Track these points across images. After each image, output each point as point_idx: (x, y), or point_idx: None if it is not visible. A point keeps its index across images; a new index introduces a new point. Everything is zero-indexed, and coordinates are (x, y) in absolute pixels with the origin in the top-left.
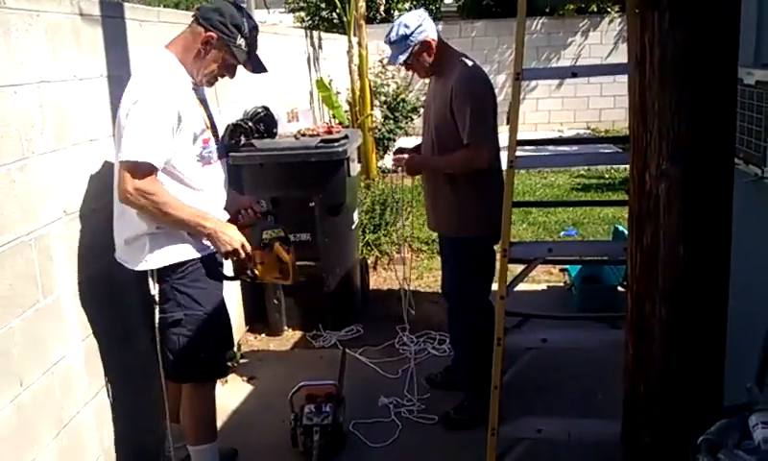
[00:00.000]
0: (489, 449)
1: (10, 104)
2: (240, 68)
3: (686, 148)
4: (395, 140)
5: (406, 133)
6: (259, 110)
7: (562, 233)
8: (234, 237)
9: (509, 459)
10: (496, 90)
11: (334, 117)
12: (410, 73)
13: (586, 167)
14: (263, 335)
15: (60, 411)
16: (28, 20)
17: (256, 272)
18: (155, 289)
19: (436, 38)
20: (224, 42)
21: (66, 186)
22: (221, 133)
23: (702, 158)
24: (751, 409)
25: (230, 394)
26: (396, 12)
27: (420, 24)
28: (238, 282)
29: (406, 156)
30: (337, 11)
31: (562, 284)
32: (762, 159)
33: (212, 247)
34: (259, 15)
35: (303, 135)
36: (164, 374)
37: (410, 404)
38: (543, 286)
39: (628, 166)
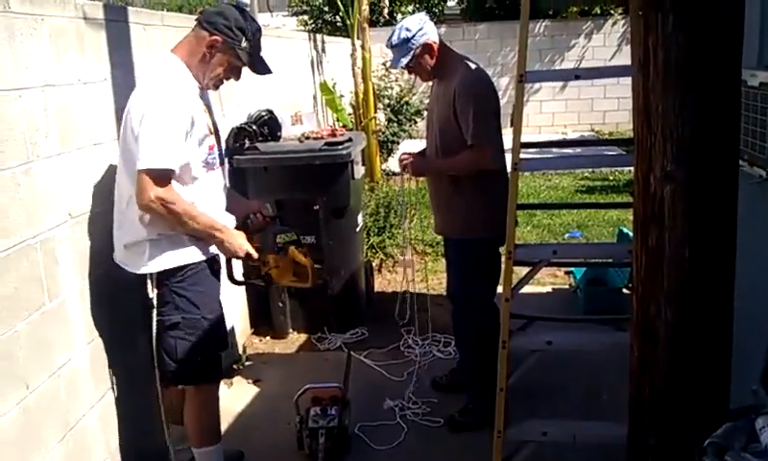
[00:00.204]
0: (494, 452)
1: (14, 108)
2: (244, 72)
3: (691, 150)
4: (398, 143)
5: (410, 136)
6: (263, 114)
7: (566, 235)
8: (241, 245)
9: None
10: (500, 93)
11: (338, 120)
12: (413, 76)
13: (590, 169)
14: (268, 338)
15: (66, 414)
16: (32, 24)
17: (272, 275)
18: (152, 292)
19: (437, 41)
20: (229, 45)
21: (71, 190)
22: (224, 136)
23: (706, 161)
24: (757, 412)
25: (236, 396)
26: (400, 15)
27: (421, 27)
28: (243, 297)
29: (411, 157)
30: (340, 14)
31: (567, 287)
32: (767, 161)
33: (213, 251)
34: (262, 19)
35: (308, 138)
36: (162, 376)
37: (415, 407)
38: (548, 288)
39: (632, 168)
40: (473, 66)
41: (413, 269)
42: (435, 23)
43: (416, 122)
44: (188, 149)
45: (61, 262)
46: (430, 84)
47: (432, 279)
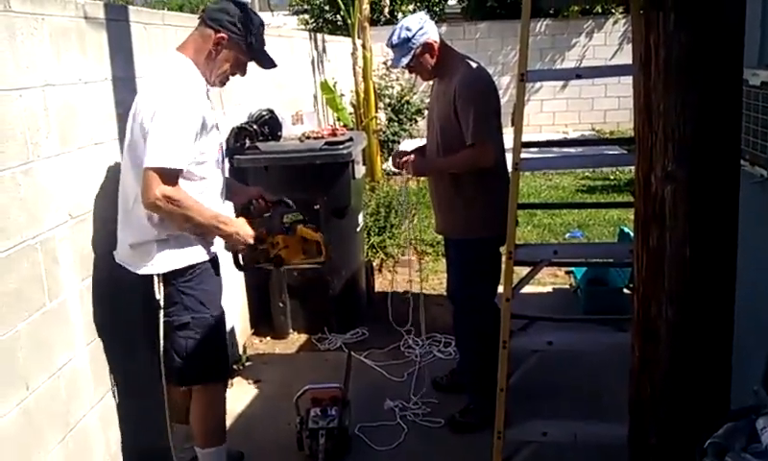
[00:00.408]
0: (495, 453)
1: (15, 107)
2: (246, 71)
3: (692, 149)
4: (399, 142)
5: (410, 136)
6: (264, 113)
7: (567, 235)
8: (247, 234)
9: None
10: (501, 92)
11: (339, 120)
12: (414, 75)
13: (591, 169)
14: (268, 338)
15: (67, 415)
16: (33, 24)
17: (282, 255)
18: (160, 293)
19: (438, 41)
20: (234, 41)
21: (72, 189)
22: (225, 136)
23: (708, 160)
24: (758, 412)
25: (236, 397)
26: (401, 15)
27: (421, 27)
28: (242, 286)
29: (412, 157)
30: (341, 13)
31: (567, 286)
32: None
33: (213, 250)
34: (263, 17)
35: (308, 138)
36: (170, 377)
37: (416, 407)
38: (549, 288)
39: (633, 168)
40: (474, 65)
41: (410, 269)
42: (435, 22)
43: (416, 121)
44: (200, 147)
45: (62, 262)
46: (431, 83)
47: (433, 278)
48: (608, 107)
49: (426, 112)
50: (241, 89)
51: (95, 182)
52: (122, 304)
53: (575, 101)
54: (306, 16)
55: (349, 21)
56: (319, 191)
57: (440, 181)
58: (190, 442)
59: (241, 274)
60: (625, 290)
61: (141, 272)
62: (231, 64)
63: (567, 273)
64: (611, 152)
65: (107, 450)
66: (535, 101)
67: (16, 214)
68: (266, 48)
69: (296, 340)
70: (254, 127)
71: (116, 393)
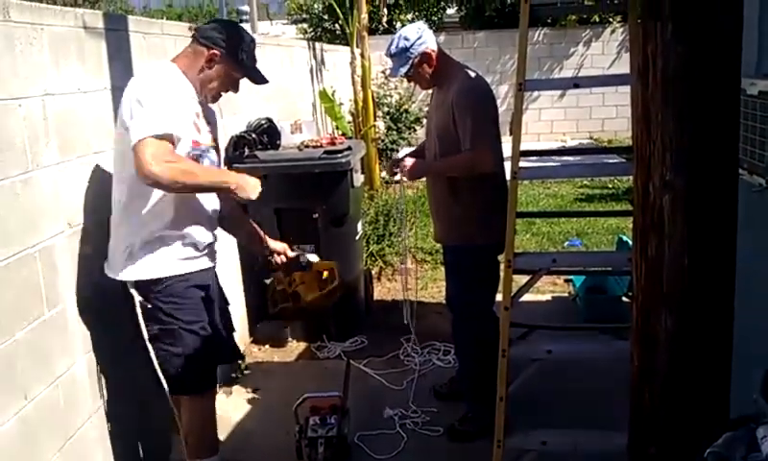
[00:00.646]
0: None
1: (14, 117)
2: (243, 81)
3: (690, 158)
4: (398, 151)
5: (409, 144)
6: (263, 122)
7: (566, 243)
8: (256, 183)
9: None
10: (499, 101)
11: (337, 128)
12: (412, 84)
13: (589, 178)
14: (267, 346)
15: (65, 424)
16: (32, 34)
17: (299, 292)
18: (136, 301)
19: (436, 50)
20: (226, 58)
21: (71, 199)
22: (224, 145)
23: (706, 169)
24: (758, 421)
25: (235, 405)
26: (399, 24)
27: (419, 36)
28: (241, 294)
29: (407, 160)
30: (340, 22)
31: (566, 295)
32: (766, 170)
33: (203, 264)
34: (262, 27)
35: (307, 147)
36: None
37: (415, 416)
38: (548, 297)
39: (631, 177)
40: (472, 74)
41: (405, 277)
42: (434, 31)
43: (415, 130)
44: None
45: (61, 271)
46: (430, 91)
47: (432, 287)
48: (605, 115)
49: (425, 121)
50: (240, 99)
51: (94, 191)
52: (119, 314)
53: (573, 110)
54: (305, 25)
55: (348, 30)
56: (317, 200)
57: (437, 189)
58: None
59: (238, 280)
60: (624, 298)
61: (116, 277)
62: (223, 81)
63: (566, 281)
64: (609, 160)
65: (105, 460)
66: (533, 109)
67: (15, 223)
68: (259, 64)
69: (295, 348)
70: (253, 135)
71: (115, 402)
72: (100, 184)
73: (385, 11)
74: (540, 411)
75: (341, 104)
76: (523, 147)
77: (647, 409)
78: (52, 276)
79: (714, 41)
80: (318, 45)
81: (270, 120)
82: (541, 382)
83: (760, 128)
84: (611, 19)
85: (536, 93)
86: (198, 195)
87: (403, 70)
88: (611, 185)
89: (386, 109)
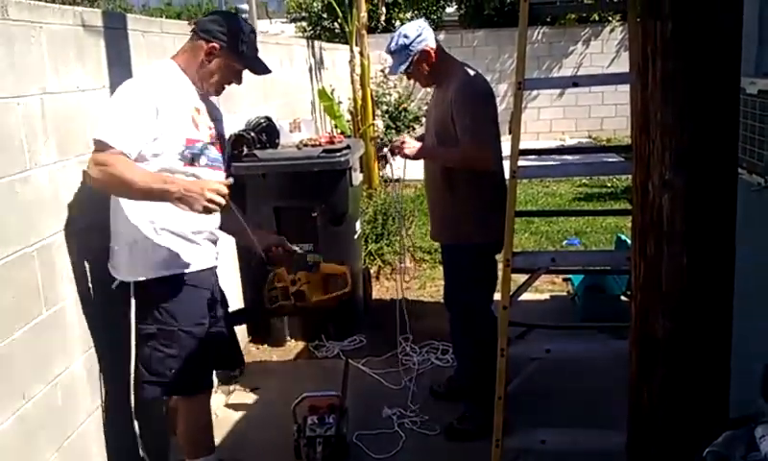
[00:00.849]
0: None
1: (13, 115)
2: (243, 78)
3: (689, 158)
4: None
5: None
6: (261, 121)
7: (564, 242)
8: (203, 187)
9: None
10: (498, 100)
11: (336, 127)
12: (411, 82)
13: (588, 176)
14: (266, 346)
15: (63, 424)
16: (31, 32)
17: (304, 291)
18: (132, 300)
19: (436, 48)
20: (226, 49)
21: (69, 197)
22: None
23: (705, 168)
24: (757, 420)
25: (233, 405)
26: (398, 22)
27: (419, 34)
28: (239, 293)
29: (407, 140)
30: (339, 20)
31: (565, 294)
32: (765, 169)
33: (202, 265)
34: (261, 25)
35: (306, 145)
36: (138, 387)
37: (413, 415)
38: (546, 296)
39: (630, 175)
40: (472, 73)
41: (402, 278)
42: (433, 29)
43: (414, 129)
44: (160, 142)
45: (59, 271)
46: (429, 90)
47: (430, 286)
48: (604, 114)
49: (424, 120)
50: (238, 97)
51: (93, 190)
52: (118, 313)
53: (572, 108)
54: (304, 24)
55: (347, 29)
56: (316, 198)
57: (435, 187)
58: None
59: (236, 280)
60: (622, 297)
61: (118, 277)
62: (225, 73)
63: (565, 280)
64: (608, 159)
65: (104, 459)
66: (532, 108)
67: (14, 222)
68: (259, 55)
69: (293, 348)
70: (252, 134)
71: (114, 402)
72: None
73: (384, 9)
74: (538, 410)
75: (340, 102)
76: (522, 146)
77: (646, 408)
78: (50, 275)
79: (714, 40)
80: (317, 44)
81: (269, 119)
82: (540, 381)
83: (760, 127)
84: (610, 18)
85: (535, 92)
86: None
87: (403, 67)
88: (609, 184)
89: (385, 107)
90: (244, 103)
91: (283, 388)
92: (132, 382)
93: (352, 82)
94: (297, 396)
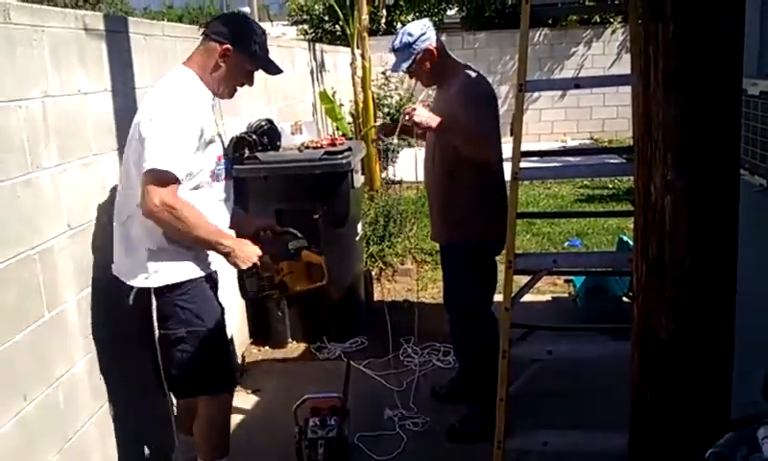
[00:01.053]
0: None
1: (14, 118)
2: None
3: (692, 159)
4: (398, 152)
5: (409, 145)
6: (263, 123)
7: (566, 244)
8: (251, 252)
9: None
10: (500, 101)
11: (338, 129)
12: (413, 83)
13: (590, 178)
14: (267, 347)
15: (65, 426)
16: (33, 35)
17: (286, 282)
18: (153, 306)
19: (439, 48)
20: (239, 51)
21: (71, 200)
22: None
23: (707, 170)
24: (759, 421)
25: (234, 406)
26: (399, 24)
27: (423, 32)
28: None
29: (418, 108)
30: (340, 23)
31: (566, 295)
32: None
33: (212, 267)
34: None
35: (307, 148)
36: (169, 389)
37: (415, 417)
38: (548, 297)
39: (632, 177)
40: (474, 74)
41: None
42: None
43: None
44: (200, 159)
45: (61, 273)
46: (431, 93)
47: (432, 287)
48: (606, 116)
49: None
50: (240, 100)
51: (94, 193)
52: (120, 316)
53: (573, 110)
54: (305, 27)
55: (348, 31)
56: (318, 201)
57: (436, 186)
58: (191, 454)
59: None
60: (624, 298)
61: (134, 284)
62: (238, 74)
63: (567, 281)
64: (610, 161)
65: None
66: (533, 110)
67: (16, 225)
68: (270, 55)
69: (294, 349)
70: (253, 137)
71: (115, 403)
72: (100, 186)
73: (385, 12)
74: (540, 412)
75: (341, 105)
76: (524, 147)
77: (648, 409)
78: (52, 277)
79: (716, 42)
80: (318, 46)
81: (270, 121)
82: (542, 383)
83: (762, 128)
84: (611, 19)
85: (536, 94)
86: (210, 200)
87: (405, 65)
88: (611, 186)
89: (386, 109)
90: (245, 105)
91: (284, 390)
92: (134, 384)
93: (354, 84)
94: (298, 397)
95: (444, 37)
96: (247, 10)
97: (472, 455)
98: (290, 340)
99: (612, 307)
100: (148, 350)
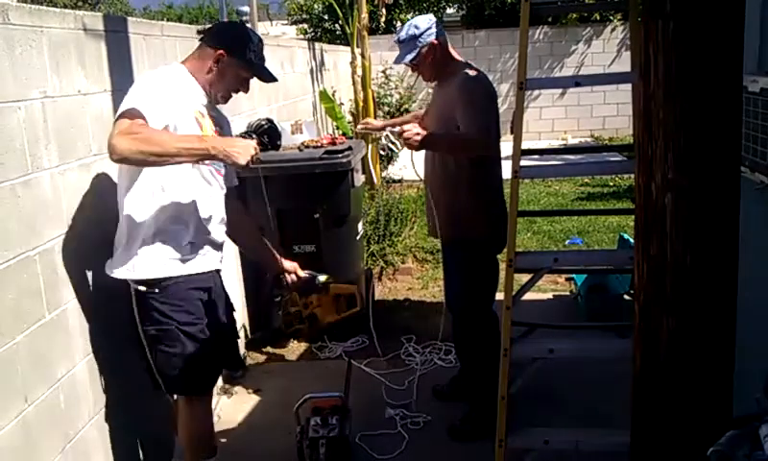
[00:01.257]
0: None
1: (14, 119)
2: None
3: (692, 157)
4: (398, 151)
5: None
6: (263, 123)
7: (567, 242)
8: (246, 145)
9: None
10: (500, 99)
11: (338, 128)
12: (413, 81)
13: (590, 176)
14: (268, 347)
15: (66, 427)
16: (32, 36)
17: (316, 314)
18: (134, 302)
19: (444, 43)
20: (234, 57)
21: (71, 201)
22: None
23: (708, 168)
24: (761, 420)
25: (236, 406)
26: (399, 23)
27: (429, 26)
28: (242, 294)
29: (407, 126)
30: (340, 22)
31: (568, 293)
32: None
33: (205, 267)
34: (262, 28)
35: (307, 147)
36: (154, 386)
37: (417, 416)
38: (549, 295)
39: (633, 174)
40: (475, 72)
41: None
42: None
43: None
44: (168, 124)
45: (61, 274)
46: (431, 91)
47: (432, 286)
48: (606, 113)
49: (423, 119)
50: (240, 99)
51: (95, 194)
52: (120, 315)
53: (574, 108)
54: (305, 26)
55: (348, 30)
56: (318, 200)
57: (436, 183)
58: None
59: (239, 280)
60: (626, 296)
61: (115, 275)
62: (232, 80)
63: (568, 279)
64: (611, 159)
65: None
66: (534, 108)
67: (15, 226)
68: (266, 63)
69: (296, 348)
70: (254, 136)
71: (116, 404)
72: (100, 187)
73: (384, 10)
74: (541, 410)
75: (341, 104)
76: (524, 146)
77: (649, 407)
78: (52, 278)
79: (716, 39)
80: (318, 45)
81: (270, 121)
82: (543, 381)
83: (762, 125)
84: (611, 17)
85: (536, 92)
86: (198, 197)
87: (409, 57)
88: (612, 184)
89: (386, 108)
90: (245, 105)
91: (286, 389)
92: (134, 384)
93: (354, 83)
94: (299, 397)
95: None
96: (246, 9)
97: (474, 454)
98: (291, 340)
99: (614, 305)
100: (135, 345)
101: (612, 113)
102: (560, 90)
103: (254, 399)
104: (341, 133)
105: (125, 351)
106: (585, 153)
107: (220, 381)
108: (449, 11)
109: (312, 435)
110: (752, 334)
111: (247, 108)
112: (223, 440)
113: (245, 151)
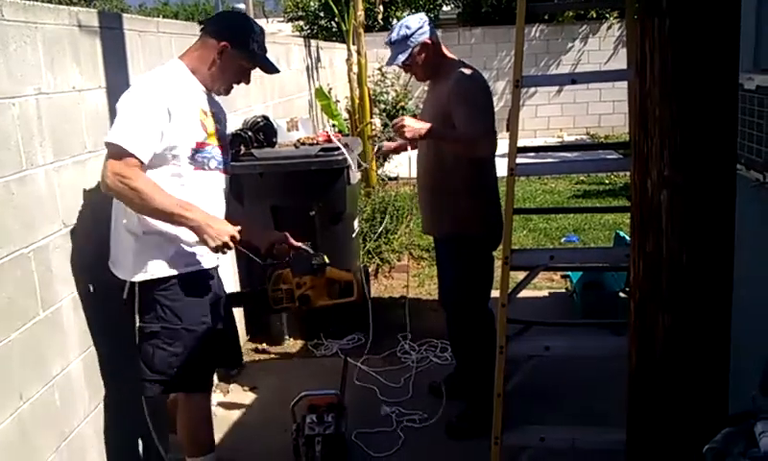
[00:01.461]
0: (492, 458)
1: (8, 116)
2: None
3: (688, 154)
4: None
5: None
6: (259, 120)
7: (563, 239)
8: (222, 229)
9: None
10: (496, 97)
11: (334, 126)
12: (409, 79)
13: (586, 173)
14: (264, 344)
15: (61, 424)
16: (26, 32)
17: (309, 295)
18: (136, 298)
19: (436, 43)
20: (237, 48)
21: (66, 198)
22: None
23: (703, 165)
24: (756, 417)
25: (231, 403)
26: (395, 20)
27: (420, 26)
28: (237, 289)
29: (405, 118)
30: (336, 19)
31: (563, 290)
32: (764, 165)
33: (205, 265)
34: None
35: (303, 144)
36: (141, 384)
37: (413, 413)
38: (545, 293)
39: (628, 172)
40: (470, 70)
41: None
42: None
43: None
44: (170, 140)
45: (55, 271)
46: (426, 88)
47: (428, 284)
48: (602, 111)
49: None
50: (236, 96)
51: (90, 191)
52: (116, 312)
53: (570, 105)
54: (301, 23)
55: (344, 28)
56: (314, 197)
57: (430, 179)
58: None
59: (236, 281)
60: (621, 294)
61: (121, 276)
62: (236, 72)
63: (563, 277)
64: (606, 156)
65: (102, 460)
66: (529, 106)
67: (10, 223)
68: (268, 54)
69: (292, 346)
70: (249, 133)
71: (111, 402)
72: (95, 183)
73: (381, 8)
74: (538, 407)
75: (337, 101)
76: (520, 143)
77: (645, 405)
78: (47, 276)
79: (712, 37)
80: (314, 43)
81: (266, 118)
82: (539, 378)
83: (758, 123)
84: (607, 15)
85: (532, 89)
86: (202, 194)
87: (402, 58)
88: (608, 181)
89: (382, 105)
90: (241, 102)
91: (282, 387)
92: (130, 382)
93: (350, 80)
94: (295, 394)
95: (440, 33)
96: (242, 6)
97: (470, 451)
98: (287, 337)
99: (609, 303)
100: (132, 342)
101: (607, 111)
102: (556, 88)
103: (250, 396)
104: (337, 130)
105: (121, 348)
106: (581, 150)
107: (216, 379)
108: (445, 8)
109: (308, 433)
110: (747, 332)
111: (243, 104)
112: (218, 437)
113: (218, 236)
